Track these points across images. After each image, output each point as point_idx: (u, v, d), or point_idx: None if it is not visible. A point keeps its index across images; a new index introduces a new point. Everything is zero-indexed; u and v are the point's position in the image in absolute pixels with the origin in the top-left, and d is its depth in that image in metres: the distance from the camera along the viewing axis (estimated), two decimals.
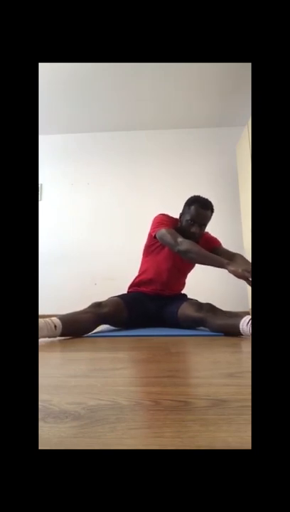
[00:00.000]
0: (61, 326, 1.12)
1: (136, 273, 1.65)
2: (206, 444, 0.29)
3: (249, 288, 2.46)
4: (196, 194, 1.56)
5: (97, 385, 0.50)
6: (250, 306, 2.43)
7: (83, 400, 0.43)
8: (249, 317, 1.09)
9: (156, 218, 1.57)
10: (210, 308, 1.26)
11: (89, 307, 1.29)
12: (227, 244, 1.65)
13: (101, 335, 1.26)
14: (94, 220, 2.97)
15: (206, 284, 2.48)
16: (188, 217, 1.48)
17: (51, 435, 0.32)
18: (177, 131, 3.07)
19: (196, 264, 1.60)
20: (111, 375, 0.58)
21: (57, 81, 2.44)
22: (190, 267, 1.64)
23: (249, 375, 0.56)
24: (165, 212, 1.62)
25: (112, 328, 1.45)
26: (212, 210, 1.51)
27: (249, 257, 2.20)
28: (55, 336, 1.12)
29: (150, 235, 1.57)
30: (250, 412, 0.37)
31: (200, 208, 1.46)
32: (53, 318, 1.13)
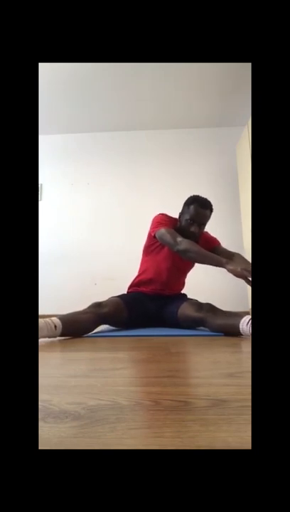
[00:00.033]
0: (61, 326, 1.12)
1: (136, 273, 1.65)
2: (206, 444, 0.29)
3: (249, 288, 2.46)
4: (196, 194, 1.56)
5: (97, 385, 0.50)
6: (250, 306, 2.43)
7: (83, 400, 0.43)
8: (248, 317, 1.09)
9: (155, 218, 1.57)
10: (210, 308, 1.26)
11: (89, 307, 1.29)
12: (227, 244, 1.65)
13: (102, 335, 1.26)
14: (94, 220, 2.97)
15: (206, 284, 2.48)
16: (187, 216, 1.48)
17: (51, 435, 0.32)
18: (177, 131, 3.07)
19: (196, 264, 1.61)
20: (111, 375, 0.58)
21: (57, 81, 2.44)
22: (190, 266, 1.64)
23: (249, 375, 0.56)
24: (165, 212, 1.62)
25: (112, 328, 1.45)
26: (211, 210, 1.51)
27: (249, 257, 2.20)
28: (55, 336, 1.12)
29: (149, 234, 1.57)
30: (250, 412, 0.37)
31: (199, 208, 1.47)
32: (53, 318, 1.13)
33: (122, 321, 1.38)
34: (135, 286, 1.61)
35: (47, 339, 1.11)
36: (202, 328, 1.34)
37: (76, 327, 1.19)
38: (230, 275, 1.23)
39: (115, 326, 1.42)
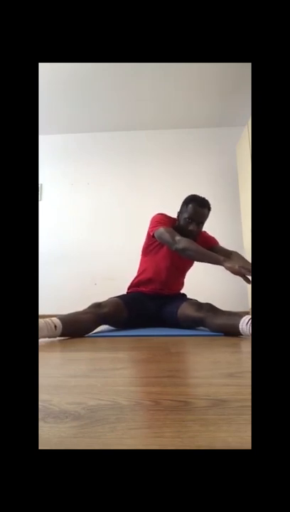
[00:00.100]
0: (61, 326, 1.12)
1: (135, 273, 1.65)
2: (206, 444, 0.29)
3: (249, 288, 2.46)
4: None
5: (97, 385, 0.50)
6: (250, 306, 2.43)
7: (83, 400, 0.43)
8: (248, 317, 1.09)
9: (154, 218, 1.58)
10: (209, 308, 1.26)
11: (89, 307, 1.30)
12: (227, 244, 1.65)
13: (102, 335, 1.26)
14: (94, 220, 2.97)
15: (206, 284, 2.48)
16: (185, 215, 1.50)
17: (51, 435, 0.32)
18: (177, 131, 3.07)
19: (196, 264, 1.61)
20: (111, 375, 0.58)
21: (57, 81, 2.44)
22: (189, 265, 1.64)
23: (249, 375, 0.56)
24: (165, 212, 1.63)
25: (112, 328, 1.45)
26: (209, 209, 1.53)
27: (249, 257, 2.20)
28: (55, 336, 1.12)
29: (148, 234, 1.58)
30: (250, 412, 0.37)
31: (197, 207, 1.48)
32: (53, 319, 1.13)
33: (122, 321, 1.38)
34: (134, 286, 1.61)
35: (47, 339, 1.11)
36: (202, 328, 1.34)
37: (76, 327, 1.19)
38: (229, 274, 1.24)
39: (115, 326, 1.42)
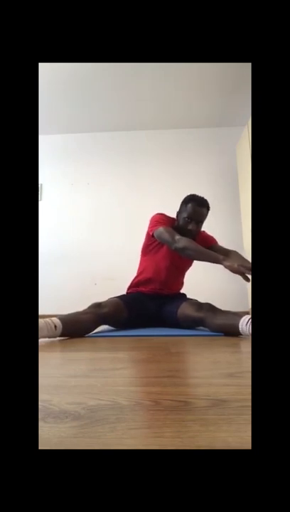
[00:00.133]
0: (61, 326, 1.12)
1: (135, 273, 1.65)
2: (206, 444, 0.29)
3: (249, 288, 2.47)
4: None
5: (97, 385, 0.50)
6: (250, 306, 2.43)
7: (83, 400, 0.43)
8: (248, 317, 1.09)
9: (153, 217, 1.59)
10: (209, 308, 1.26)
11: (89, 308, 1.30)
12: (227, 244, 1.65)
13: (102, 335, 1.26)
14: (94, 220, 2.97)
15: (206, 284, 2.48)
16: (185, 215, 1.50)
17: (51, 435, 0.32)
18: (177, 131, 3.07)
19: (195, 264, 1.61)
20: (111, 375, 0.58)
21: (57, 81, 2.44)
22: (188, 264, 1.65)
23: (249, 375, 0.56)
24: (165, 212, 1.63)
25: (112, 328, 1.45)
26: (208, 208, 1.53)
27: (249, 257, 2.20)
28: (55, 336, 1.12)
29: (148, 234, 1.59)
30: (250, 412, 0.37)
31: (196, 206, 1.49)
32: (53, 319, 1.13)
33: (122, 321, 1.38)
34: (134, 286, 1.61)
35: (47, 339, 1.11)
36: (202, 328, 1.34)
37: (76, 327, 1.19)
38: (229, 273, 1.24)
39: (115, 327, 1.42)
